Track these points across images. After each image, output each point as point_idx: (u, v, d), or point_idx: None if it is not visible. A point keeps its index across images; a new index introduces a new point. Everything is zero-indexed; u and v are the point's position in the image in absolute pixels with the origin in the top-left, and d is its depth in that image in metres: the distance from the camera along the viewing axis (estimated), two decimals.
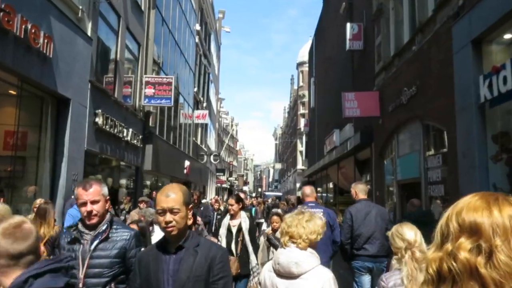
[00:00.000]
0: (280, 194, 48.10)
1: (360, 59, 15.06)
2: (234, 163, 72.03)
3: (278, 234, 2.95)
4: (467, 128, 6.84)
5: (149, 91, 14.89)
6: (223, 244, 5.45)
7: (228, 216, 5.77)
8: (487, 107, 6.51)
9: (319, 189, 26.11)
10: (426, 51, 8.73)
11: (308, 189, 5.75)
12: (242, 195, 6.93)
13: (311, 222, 2.74)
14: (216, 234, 6.10)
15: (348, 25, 14.68)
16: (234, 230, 5.54)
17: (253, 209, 13.84)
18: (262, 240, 6.14)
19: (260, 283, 2.82)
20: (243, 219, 5.61)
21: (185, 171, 21.91)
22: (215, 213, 12.19)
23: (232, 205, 5.69)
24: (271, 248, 5.58)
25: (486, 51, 6.74)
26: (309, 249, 2.65)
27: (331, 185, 23.12)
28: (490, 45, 6.72)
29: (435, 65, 8.26)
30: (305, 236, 2.66)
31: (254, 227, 5.89)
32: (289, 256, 2.60)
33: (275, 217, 5.98)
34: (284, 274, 2.60)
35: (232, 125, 65.98)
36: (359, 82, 14.69)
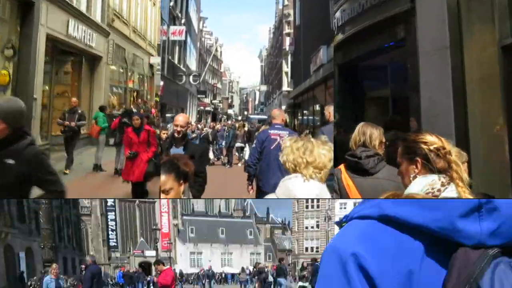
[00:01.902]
0: (265, 117, 47.07)
1: None
2: (219, 85, 69.95)
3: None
4: None
5: None
6: None
7: None
8: None
9: (305, 111, 24.97)
10: None
11: (276, 111, 5.86)
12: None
13: None
14: None
15: None
16: None
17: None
18: None
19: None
20: None
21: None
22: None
23: None
24: None
25: None
26: None
27: (317, 107, 21.92)
28: None
29: None
30: None
31: None
32: None
33: None
34: None
35: (216, 46, 63.09)
36: None
